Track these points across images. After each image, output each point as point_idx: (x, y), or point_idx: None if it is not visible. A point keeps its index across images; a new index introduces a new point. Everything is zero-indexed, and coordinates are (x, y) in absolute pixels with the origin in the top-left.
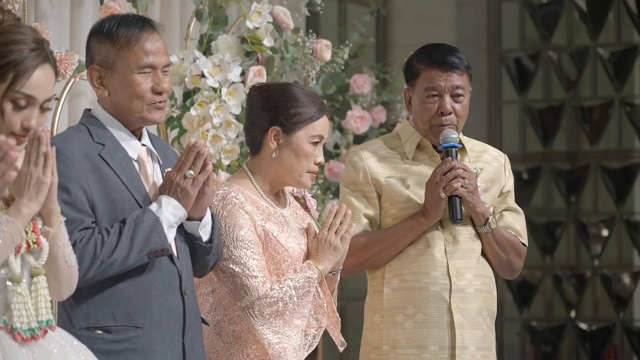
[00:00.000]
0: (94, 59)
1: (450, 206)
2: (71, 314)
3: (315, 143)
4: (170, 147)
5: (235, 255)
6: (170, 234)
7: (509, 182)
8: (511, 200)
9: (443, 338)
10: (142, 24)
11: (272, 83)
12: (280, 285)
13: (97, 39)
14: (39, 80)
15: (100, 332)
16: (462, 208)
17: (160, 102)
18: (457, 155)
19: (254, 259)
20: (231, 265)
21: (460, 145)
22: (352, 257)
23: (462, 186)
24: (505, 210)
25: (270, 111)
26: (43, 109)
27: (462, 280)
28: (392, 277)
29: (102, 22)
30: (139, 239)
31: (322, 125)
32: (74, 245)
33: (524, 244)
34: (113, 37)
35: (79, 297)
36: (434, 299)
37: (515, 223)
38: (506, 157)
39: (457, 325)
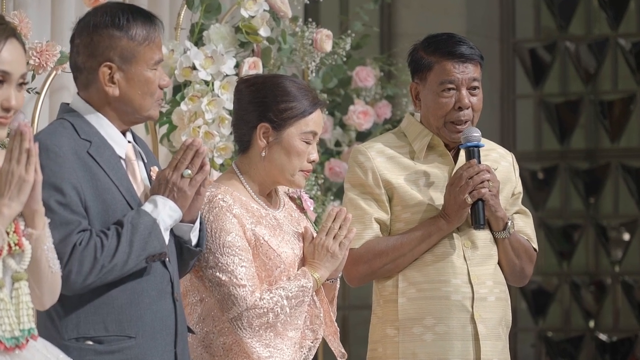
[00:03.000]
0: (101, 54)
1: (473, 211)
2: (59, 324)
3: (308, 140)
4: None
5: (222, 263)
6: (166, 237)
7: (519, 183)
8: (520, 202)
9: (467, 351)
10: (151, 17)
11: (262, 75)
12: (271, 295)
13: (107, 34)
14: (10, 55)
15: (91, 342)
16: (485, 212)
17: (162, 98)
18: (480, 155)
19: (242, 266)
20: (218, 274)
21: (484, 145)
22: (365, 265)
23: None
24: (516, 212)
25: (259, 106)
26: (19, 87)
27: (483, 288)
28: (407, 285)
29: (109, 14)
30: (138, 243)
31: (315, 121)
32: (72, 248)
33: (535, 249)
34: (130, 31)
35: (67, 305)
36: (456, 309)
37: (526, 227)
38: (513, 155)
39: (481, 336)
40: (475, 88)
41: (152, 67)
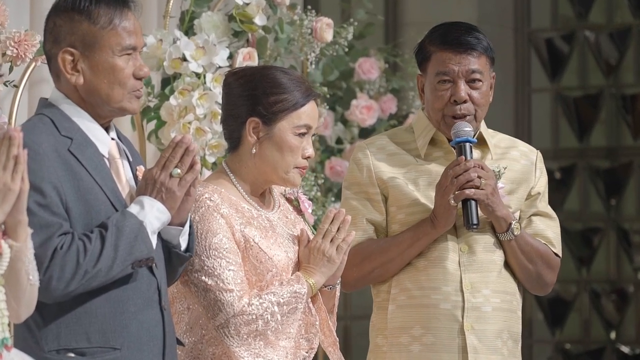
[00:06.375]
0: (64, 39)
1: (465, 210)
2: (38, 335)
3: (302, 134)
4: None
5: (208, 266)
6: (153, 241)
7: (539, 183)
8: (542, 204)
9: None
10: (121, 0)
11: (251, 67)
12: (260, 301)
13: (68, 17)
14: None
15: (72, 354)
16: (479, 211)
17: (140, 89)
18: (471, 152)
19: (229, 269)
20: (204, 278)
21: (476, 141)
22: (353, 269)
23: (478, 187)
24: (535, 215)
25: (248, 100)
26: None
27: (478, 297)
28: (398, 292)
29: None
30: (123, 247)
31: (308, 113)
32: (53, 252)
33: (557, 255)
34: (92, 15)
35: (47, 315)
36: (445, 319)
37: (547, 230)
38: (539, 153)
39: (470, 349)
40: (476, 80)
41: (120, 53)
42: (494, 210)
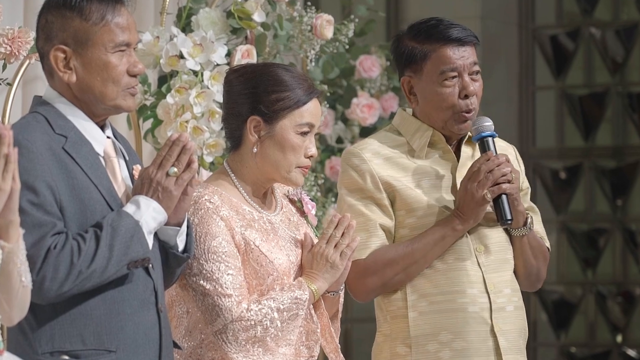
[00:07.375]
0: (56, 36)
1: (497, 206)
2: (32, 337)
3: (304, 133)
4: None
5: (206, 270)
6: (150, 241)
7: (525, 178)
8: (528, 198)
9: None
10: None
11: (252, 64)
12: (260, 307)
13: (60, 14)
14: None
15: (67, 357)
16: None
17: (135, 86)
18: (495, 146)
19: (228, 274)
20: (202, 282)
21: (497, 134)
22: (374, 277)
23: (510, 181)
24: (526, 210)
25: (249, 98)
26: None
27: (501, 297)
28: (417, 298)
29: None
30: (119, 247)
31: (310, 112)
32: (47, 252)
33: (547, 248)
34: (84, 11)
35: (41, 316)
36: (474, 322)
37: (537, 224)
38: (515, 148)
39: (503, 350)
40: (477, 72)
41: (113, 50)
42: (518, 205)
